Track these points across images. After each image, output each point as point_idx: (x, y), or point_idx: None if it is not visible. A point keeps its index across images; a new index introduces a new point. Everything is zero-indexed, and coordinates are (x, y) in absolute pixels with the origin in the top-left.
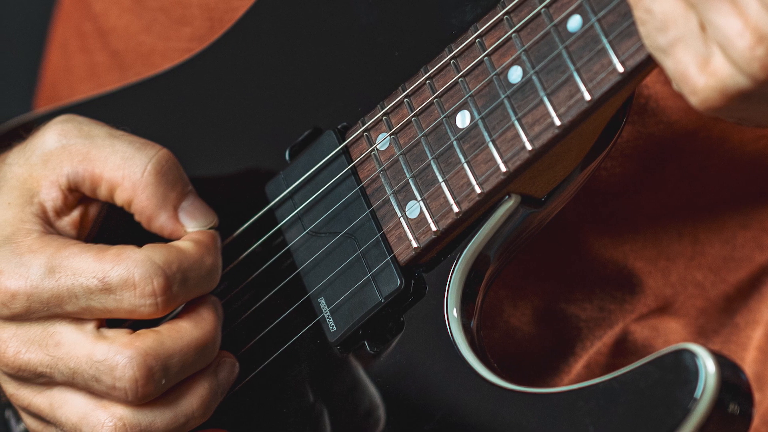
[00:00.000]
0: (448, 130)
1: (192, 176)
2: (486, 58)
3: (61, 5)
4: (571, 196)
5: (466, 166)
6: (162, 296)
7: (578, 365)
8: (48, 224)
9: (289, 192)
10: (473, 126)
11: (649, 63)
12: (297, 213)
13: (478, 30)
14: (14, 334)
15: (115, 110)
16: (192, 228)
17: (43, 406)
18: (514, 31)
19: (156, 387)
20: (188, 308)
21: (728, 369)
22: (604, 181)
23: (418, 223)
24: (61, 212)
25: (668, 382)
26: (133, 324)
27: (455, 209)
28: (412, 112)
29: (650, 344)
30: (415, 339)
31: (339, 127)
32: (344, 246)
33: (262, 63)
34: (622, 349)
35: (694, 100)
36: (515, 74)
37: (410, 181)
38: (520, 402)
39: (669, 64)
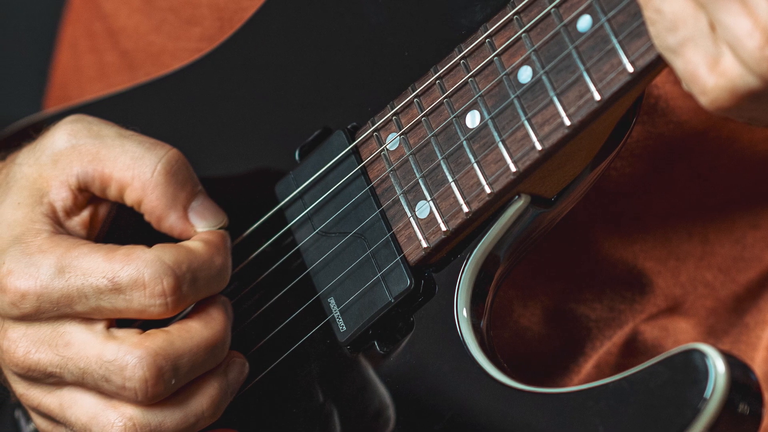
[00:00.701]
0: (458, 130)
1: (202, 176)
2: (496, 58)
3: (70, 5)
4: (581, 196)
5: (476, 166)
6: (172, 296)
7: (588, 365)
8: (58, 224)
9: (298, 192)
10: (483, 126)
11: (659, 63)
12: (307, 213)
13: (487, 30)
14: (24, 334)
15: (125, 110)
16: (202, 228)
17: (53, 406)
18: (523, 31)
19: (166, 387)
20: (198, 308)
21: (738, 369)
22: (614, 181)
23: (428, 223)
24: (70, 212)
25: (678, 382)
26: (143, 324)
27: (465, 209)
28: (422, 112)
29: (660, 344)
30: (425, 339)
31: (349, 127)
32: (354, 246)
33: (271, 63)
34: (632, 349)
35: (703, 100)
36: (525, 74)
37: (420, 181)
38: (530, 402)
39: (679, 64)
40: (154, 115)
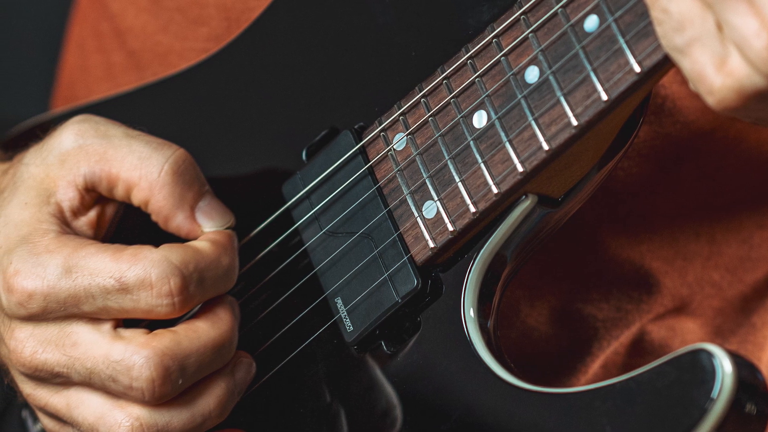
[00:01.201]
0: (465, 130)
1: (209, 176)
2: (503, 58)
3: (78, 5)
4: (588, 196)
5: (482, 166)
6: (179, 296)
7: (595, 365)
8: (65, 224)
9: (305, 192)
10: (490, 126)
11: (666, 63)
12: (314, 213)
13: (494, 30)
14: (31, 334)
15: (132, 110)
16: (209, 228)
17: (60, 406)
18: (530, 31)
19: (173, 387)
20: (205, 308)
21: (745, 369)
22: (621, 181)
23: (435, 223)
24: (77, 212)
25: (685, 382)
26: (150, 324)
27: (472, 209)
28: (429, 112)
29: (667, 344)
30: (432, 339)
31: (356, 127)
32: (361, 246)
33: (278, 63)
34: (639, 349)
35: (710, 100)
36: (532, 74)
37: (427, 181)
38: (537, 402)
39: (686, 64)
40: (161, 115)
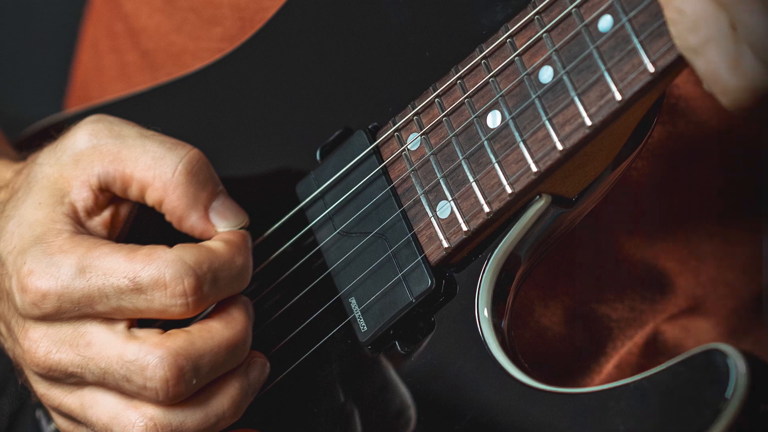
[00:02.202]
0: (479, 130)
1: (223, 176)
2: (517, 58)
3: (92, 5)
4: (601, 196)
5: (496, 166)
6: (193, 296)
7: (609, 365)
8: (79, 224)
9: (319, 192)
10: (504, 126)
11: (680, 63)
12: (328, 213)
13: (508, 30)
14: (45, 334)
15: (146, 110)
16: (223, 228)
17: (74, 406)
18: (544, 31)
19: (187, 387)
20: (219, 308)
21: (759, 369)
22: (634, 181)
23: (449, 223)
24: (91, 212)
25: (699, 382)
26: (164, 324)
27: (486, 209)
28: (443, 112)
29: (681, 344)
30: (446, 339)
31: (370, 127)
32: (375, 246)
33: (292, 63)
34: (653, 349)
35: (725, 101)
36: (546, 74)
37: (441, 181)
38: (551, 402)
39: (700, 64)
40: (175, 115)
